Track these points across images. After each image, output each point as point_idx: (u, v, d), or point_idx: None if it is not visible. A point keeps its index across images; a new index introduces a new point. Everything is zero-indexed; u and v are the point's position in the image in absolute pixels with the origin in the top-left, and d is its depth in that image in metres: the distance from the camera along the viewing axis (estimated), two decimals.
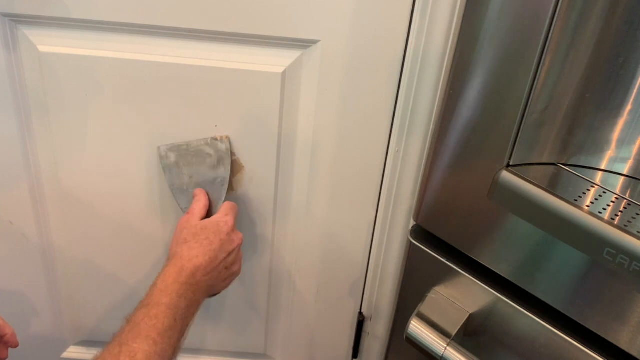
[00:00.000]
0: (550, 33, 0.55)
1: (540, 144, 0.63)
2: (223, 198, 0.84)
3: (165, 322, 0.69)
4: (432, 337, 0.71)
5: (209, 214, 0.84)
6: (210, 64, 0.78)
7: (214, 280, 0.78)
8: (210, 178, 0.85)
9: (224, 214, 0.81)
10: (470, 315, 0.72)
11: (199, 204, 0.82)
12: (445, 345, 0.70)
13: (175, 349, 0.70)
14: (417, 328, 0.72)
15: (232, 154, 0.86)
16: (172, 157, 0.85)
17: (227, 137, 0.85)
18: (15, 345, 0.77)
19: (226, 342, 1.08)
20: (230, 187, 0.87)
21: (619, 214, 0.59)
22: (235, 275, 0.83)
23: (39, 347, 1.07)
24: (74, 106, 0.82)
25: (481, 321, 0.72)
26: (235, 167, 0.87)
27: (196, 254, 0.76)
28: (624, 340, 0.60)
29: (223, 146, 0.85)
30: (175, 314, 0.70)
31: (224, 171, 0.85)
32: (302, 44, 0.77)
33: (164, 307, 0.70)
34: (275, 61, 0.78)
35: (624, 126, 0.62)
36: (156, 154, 0.85)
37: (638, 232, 0.56)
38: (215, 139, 0.85)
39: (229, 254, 0.79)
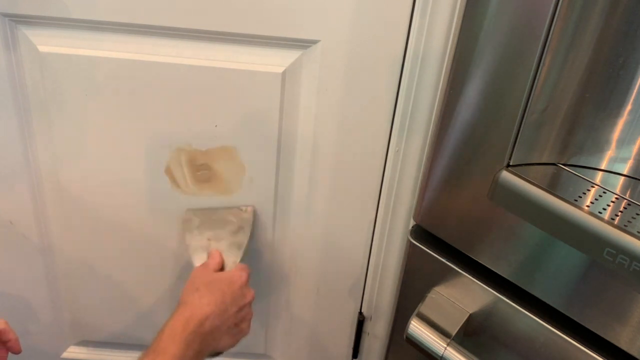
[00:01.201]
0: (550, 33, 0.55)
1: (540, 144, 0.63)
2: (238, 261, 0.85)
3: None
4: (432, 337, 0.71)
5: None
6: (210, 64, 0.78)
7: (221, 333, 0.76)
8: (228, 242, 0.86)
9: (239, 270, 0.81)
10: (470, 315, 0.72)
11: (214, 261, 0.82)
12: (445, 345, 0.70)
13: None
14: (417, 328, 0.72)
15: (255, 217, 0.88)
16: (196, 221, 0.87)
17: (252, 208, 0.87)
18: (18, 352, 0.76)
19: None
20: (245, 253, 0.87)
21: (619, 214, 0.59)
22: (243, 333, 0.81)
23: (39, 347, 1.07)
24: (74, 106, 0.82)
25: (481, 321, 0.72)
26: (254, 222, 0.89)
27: (207, 302, 0.74)
28: (624, 340, 0.60)
29: (246, 216, 0.87)
30: None
31: (243, 237, 0.86)
32: (302, 44, 0.77)
33: (171, 356, 0.69)
34: (275, 61, 0.78)
35: (624, 126, 0.62)
36: (155, 153, 0.86)
37: (638, 232, 0.56)
38: (240, 209, 0.87)
39: (240, 308, 0.78)
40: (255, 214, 0.88)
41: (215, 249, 0.84)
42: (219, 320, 0.75)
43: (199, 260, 0.84)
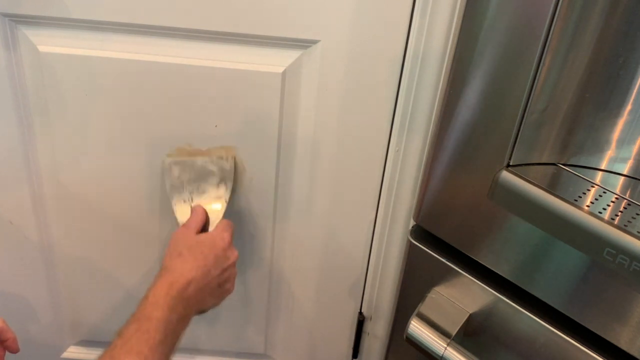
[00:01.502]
0: (550, 33, 0.55)
1: (540, 144, 0.63)
2: (221, 217, 0.83)
3: (156, 337, 0.68)
4: (432, 337, 0.71)
5: (204, 230, 0.82)
6: (211, 64, 0.78)
7: (205, 296, 0.76)
8: (210, 196, 0.85)
9: (221, 230, 0.80)
10: (470, 315, 0.72)
11: (196, 218, 0.80)
12: (445, 345, 0.70)
13: (165, 356, 0.69)
14: (417, 328, 0.72)
15: (236, 169, 0.86)
16: (176, 170, 0.85)
17: (233, 156, 0.84)
18: (16, 351, 0.76)
19: (226, 342, 1.08)
20: (229, 205, 0.86)
21: (619, 214, 0.59)
22: (227, 292, 0.81)
23: (39, 347, 1.07)
24: (74, 106, 0.82)
25: (481, 321, 0.72)
26: (235, 174, 0.87)
27: (189, 267, 0.74)
28: (624, 340, 0.60)
29: (227, 165, 0.84)
30: (166, 329, 0.69)
31: (225, 191, 0.85)
32: (302, 44, 0.77)
33: (156, 321, 0.68)
34: (275, 61, 0.78)
35: (624, 126, 0.62)
36: (155, 153, 0.85)
37: (638, 232, 0.56)
38: (221, 158, 0.84)
39: (224, 270, 0.78)
40: (236, 163, 0.86)
41: (198, 205, 0.82)
42: (202, 283, 0.75)
43: (181, 214, 0.84)
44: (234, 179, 0.86)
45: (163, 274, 0.74)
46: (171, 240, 0.78)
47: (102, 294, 1.02)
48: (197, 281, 0.74)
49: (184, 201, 0.85)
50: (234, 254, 0.80)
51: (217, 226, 0.81)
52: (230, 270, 0.80)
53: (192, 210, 0.82)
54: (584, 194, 0.61)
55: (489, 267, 0.69)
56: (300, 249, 0.96)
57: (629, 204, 0.61)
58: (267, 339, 1.08)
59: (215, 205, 0.84)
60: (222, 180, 0.85)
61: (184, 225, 0.81)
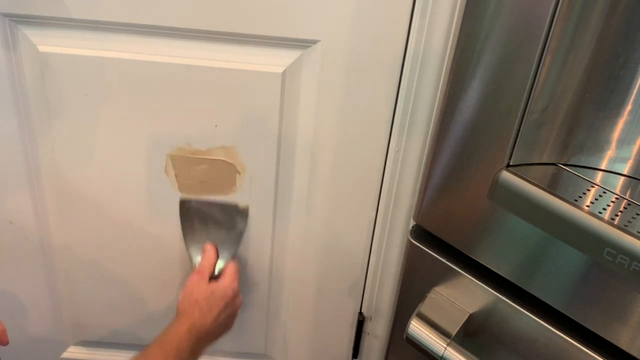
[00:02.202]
0: (550, 33, 0.55)
1: (540, 144, 0.63)
2: (232, 256, 0.88)
3: None
4: (432, 337, 0.71)
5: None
6: (210, 64, 0.78)
7: (213, 339, 0.84)
8: (222, 239, 0.89)
9: (230, 280, 0.86)
10: (470, 315, 0.72)
11: (209, 262, 0.86)
12: (445, 345, 0.70)
13: None
14: (417, 328, 0.72)
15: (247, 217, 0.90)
16: (192, 211, 0.90)
17: (247, 206, 0.90)
18: (5, 343, 0.76)
19: (226, 342, 1.08)
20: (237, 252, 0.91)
21: (619, 214, 0.59)
22: (228, 329, 0.88)
23: (39, 347, 1.07)
24: (74, 106, 0.82)
25: (481, 321, 0.72)
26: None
27: (208, 321, 0.81)
28: (624, 340, 0.60)
29: (241, 214, 0.90)
30: None
31: (237, 235, 0.90)
32: (302, 44, 0.77)
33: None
34: (275, 61, 0.78)
35: (624, 126, 0.62)
36: (155, 153, 0.86)
37: (638, 232, 0.56)
38: (237, 206, 0.89)
39: (230, 316, 0.86)
40: (248, 214, 0.90)
41: (209, 245, 0.88)
42: (215, 332, 0.83)
43: (194, 253, 0.89)
44: (244, 227, 0.91)
45: (184, 320, 0.80)
46: (187, 285, 0.84)
47: (102, 294, 1.01)
48: (211, 332, 0.82)
49: (197, 242, 0.89)
50: (239, 300, 0.87)
51: (227, 274, 0.86)
52: (235, 313, 0.87)
53: (204, 251, 0.87)
54: (584, 194, 0.61)
55: (489, 267, 0.69)
56: (300, 249, 0.96)
57: (629, 204, 0.61)
58: (267, 339, 1.08)
59: (226, 249, 0.89)
60: (234, 225, 0.90)
61: (198, 271, 0.85)
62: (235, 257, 0.90)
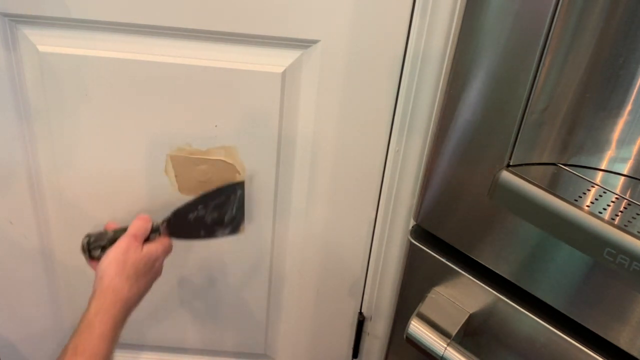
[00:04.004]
0: (550, 33, 0.55)
1: (540, 144, 0.63)
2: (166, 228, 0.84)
3: None
4: (432, 337, 0.71)
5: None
6: (210, 64, 0.78)
7: (134, 307, 0.79)
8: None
9: (162, 247, 0.81)
10: (470, 315, 0.72)
11: (144, 226, 0.81)
12: (445, 345, 0.70)
13: None
14: (417, 328, 0.72)
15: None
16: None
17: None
18: None
19: (226, 342, 1.08)
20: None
21: (619, 214, 0.59)
22: (147, 292, 0.82)
23: (39, 347, 1.07)
24: (74, 106, 0.82)
25: (481, 321, 0.72)
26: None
27: (135, 293, 0.76)
28: (624, 340, 0.60)
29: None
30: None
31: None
32: (302, 44, 0.77)
33: (102, 358, 0.69)
34: (275, 61, 0.78)
35: (624, 126, 0.62)
36: (155, 153, 0.86)
37: (638, 232, 0.56)
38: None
39: (150, 282, 0.80)
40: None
41: (142, 214, 0.82)
42: (140, 299, 0.79)
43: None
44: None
45: (111, 298, 0.73)
46: (119, 252, 0.77)
47: None
48: (138, 301, 0.78)
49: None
50: (159, 266, 0.82)
51: (159, 240, 0.81)
52: (154, 279, 0.82)
53: (138, 217, 0.81)
54: (584, 194, 0.61)
55: (489, 267, 0.69)
56: (300, 249, 0.96)
57: (629, 204, 0.61)
58: (267, 339, 1.08)
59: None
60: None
61: (133, 234, 0.79)
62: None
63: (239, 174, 0.88)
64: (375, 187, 0.89)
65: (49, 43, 0.78)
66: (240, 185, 0.85)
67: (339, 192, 0.90)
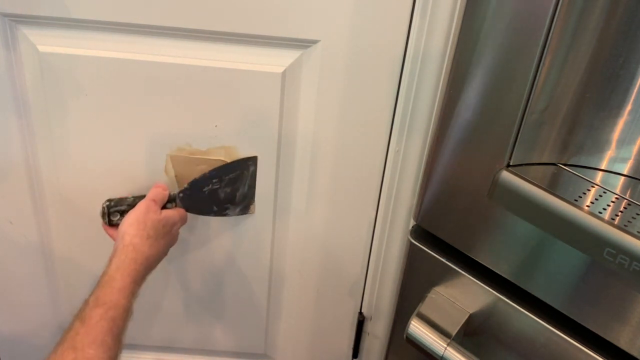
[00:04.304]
0: (550, 33, 0.55)
1: (540, 144, 0.63)
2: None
3: (121, 325, 0.68)
4: (432, 337, 0.71)
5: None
6: (210, 64, 0.78)
7: (154, 267, 0.80)
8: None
9: (179, 214, 0.83)
10: (470, 315, 0.72)
11: (163, 192, 0.83)
12: (445, 345, 0.70)
13: (121, 350, 0.69)
14: (417, 328, 0.72)
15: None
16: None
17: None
18: None
19: (226, 342, 1.08)
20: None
21: (619, 214, 0.59)
22: (165, 256, 0.84)
23: (39, 346, 1.07)
24: (74, 106, 0.82)
25: (481, 321, 0.72)
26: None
27: (155, 252, 0.78)
28: (624, 340, 0.60)
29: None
30: (128, 317, 0.70)
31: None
32: (302, 44, 0.77)
33: (122, 309, 0.68)
34: (275, 61, 0.78)
35: (624, 126, 0.62)
36: (155, 153, 0.86)
37: (638, 232, 0.56)
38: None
39: (168, 244, 0.82)
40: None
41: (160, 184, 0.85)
42: (158, 261, 0.80)
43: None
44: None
45: (132, 255, 0.75)
46: (140, 213, 0.79)
47: None
48: (157, 261, 0.79)
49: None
50: (177, 230, 0.84)
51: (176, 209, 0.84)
52: (177, 233, 0.84)
53: (156, 185, 0.84)
54: (584, 194, 0.61)
55: (489, 267, 0.69)
56: (300, 249, 0.96)
57: (629, 204, 0.61)
58: (267, 339, 1.08)
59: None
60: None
61: (152, 199, 0.81)
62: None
63: None
64: (375, 187, 0.89)
65: (48, 43, 0.78)
66: (253, 160, 0.86)
67: (339, 192, 0.90)
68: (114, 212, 0.83)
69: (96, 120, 0.83)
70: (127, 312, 0.69)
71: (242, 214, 0.90)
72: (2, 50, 0.77)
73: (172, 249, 0.93)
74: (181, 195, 0.85)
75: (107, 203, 0.83)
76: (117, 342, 0.66)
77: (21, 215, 0.92)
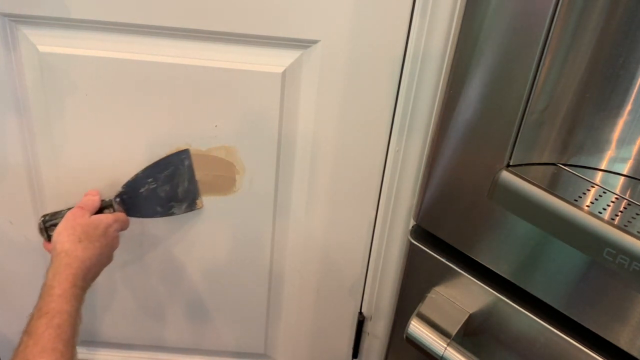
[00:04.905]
0: (550, 33, 0.55)
1: (540, 144, 0.63)
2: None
3: (69, 331, 0.67)
4: (432, 337, 0.71)
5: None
6: (210, 64, 0.78)
7: (99, 270, 0.79)
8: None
9: (113, 216, 0.82)
10: (470, 315, 0.72)
11: (92, 199, 0.83)
12: (445, 345, 0.70)
13: (75, 354, 0.69)
14: (417, 328, 0.72)
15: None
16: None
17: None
18: None
19: (226, 342, 1.08)
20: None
21: (619, 214, 0.59)
22: (109, 261, 0.83)
23: None
24: (74, 106, 0.82)
25: (481, 321, 0.72)
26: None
27: (90, 254, 0.76)
28: (624, 340, 0.60)
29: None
30: (75, 320, 0.70)
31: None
32: (302, 44, 0.77)
33: (67, 315, 0.68)
34: (275, 61, 0.78)
35: (624, 126, 0.62)
36: (155, 153, 0.85)
37: (638, 232, 0.56)
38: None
39: (113, 239, 0.81)
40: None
41: (94, 191, 0.85)
42: (99, 264, 0.78)
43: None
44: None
45: (66, 260, 0.74)
46: (68, 220, 0.79)
47: (101, 294, 1.01)
48: (96, 265, 0.77)
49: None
50: (113, 232, 0.82)
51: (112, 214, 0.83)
52: (116, 236, 0.82)
53: (87, 193, 0.84)
54: (584, 194, 0.61)
55: (489, 267, 0.69)
56: (300, 249, 0.96)
57: (629, 204, 0.61)
58: (267, 339, 1.08)
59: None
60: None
61: (80, 206, 0.81)
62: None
63: (239, 173, 0.88)
64: (375, 187, 0.89)
65: (49, 43, 0.78)
66: (186, 153, 0.85)
67: (339, 192, 0.90)
68: (50, 226, 0.82)
69: (96, 120, 0.83)
70: (73, 317, 0.69)
71: (189, 211, 0.89)
72: (2, 50, 0.77)
73: (174, 249, 0.93)
74: (118, 199, 0.84)
75: (42, 219, 0.82)
76: (68, 347, 0.66)
77: (21, 215, 0.92)
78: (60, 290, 0.70)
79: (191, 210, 0.89)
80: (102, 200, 0.84)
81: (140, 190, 0.84)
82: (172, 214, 0.88)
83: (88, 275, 0.76)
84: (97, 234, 0.79)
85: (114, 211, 0.84)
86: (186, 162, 0.85)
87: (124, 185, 0.84)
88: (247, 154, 0.86)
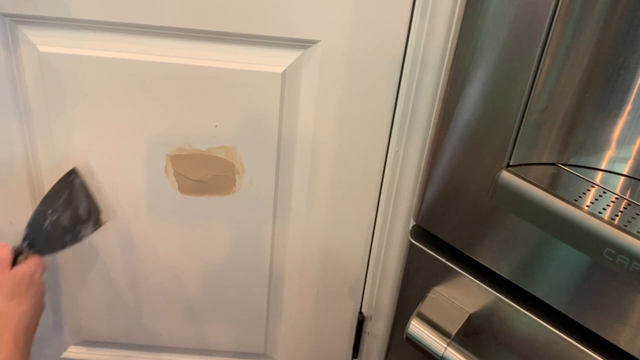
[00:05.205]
0: (550, 33, 0.55)
1: (540, 144, 0.63)
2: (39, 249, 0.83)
3: None
4: (432, 337, 0.71)
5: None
6: (210, 64, 0.78)
7: (37, 320, 0.79)
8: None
9: (33, 263, 0.80)
10: (470, 315, 0.72)
11: (4, 252, 0.80)
12: (445, 345, 0.70)
13: None
14: (417, 328, 0.72)
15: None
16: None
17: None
18: None
19: (226, 342, 1.08)
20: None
21: (619, 214, 0.59)
22: (42, 309, 0.83)
23: (39, 347, 1.07)
24: (74, 106, 0.82)
25: (481, 321, 0.72)
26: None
27: (25, 309, 0.75)
28: (624, 340, 0.60)
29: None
30: None
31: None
32: (302, 44, 0.77)
33: None
34: (275, 61, 0.78)
35: (624, 126, 0.62)
36: (155, 153, 0.85)
37: (638, 232, 0.56)
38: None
39: (42, 294, 0.80)
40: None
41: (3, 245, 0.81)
42: (36, 316, 0.78)
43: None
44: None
45: (2, 321, 0.72)
46: None
47: (102, 294, 1.01)
48: (33, 318, 0.77)
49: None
50: (38, 278, 0.81)
51: (26, 261, 0.81)
52: (42, 282, 0.81)
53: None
54: (584, 194, 0.61)
55: (489, 267, 0.69)
56: (300, 249, 0.96)
57: (629, 204, 0.61)
58: (267, 339, 1.08)
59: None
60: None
61: None
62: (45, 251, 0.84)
63: (239, 173, 0.88)
64: (375, 187, 0.89)
65: (49, 43, 0.78)
66: (73, 172, 0.84)
67: (339, 192, 0.90)
68: None
69: (96, 120, 0.83)
70: None
71: (97, 228, 0.87)
72: (3, 50, 0.77)
73: (174, 250, 0.93)
74: (25, 243, 0.81)
75: None
76: None
77: (21, 215, 0.92)
78: (5, 354, 0.69)
79: (98, 227, 0.87)
80: (13, 248, 0.81)
81: (44, 226, 0.82)
82: (82, 237, 0.85)
83: (29, 331, 0.74)
84: (26, 286, 0.77)
85: (28, 256, 0.81)
86: (77, 181, 0.83)
87: (27, 226, 0.81)
88: (247, 154, 0.86)
